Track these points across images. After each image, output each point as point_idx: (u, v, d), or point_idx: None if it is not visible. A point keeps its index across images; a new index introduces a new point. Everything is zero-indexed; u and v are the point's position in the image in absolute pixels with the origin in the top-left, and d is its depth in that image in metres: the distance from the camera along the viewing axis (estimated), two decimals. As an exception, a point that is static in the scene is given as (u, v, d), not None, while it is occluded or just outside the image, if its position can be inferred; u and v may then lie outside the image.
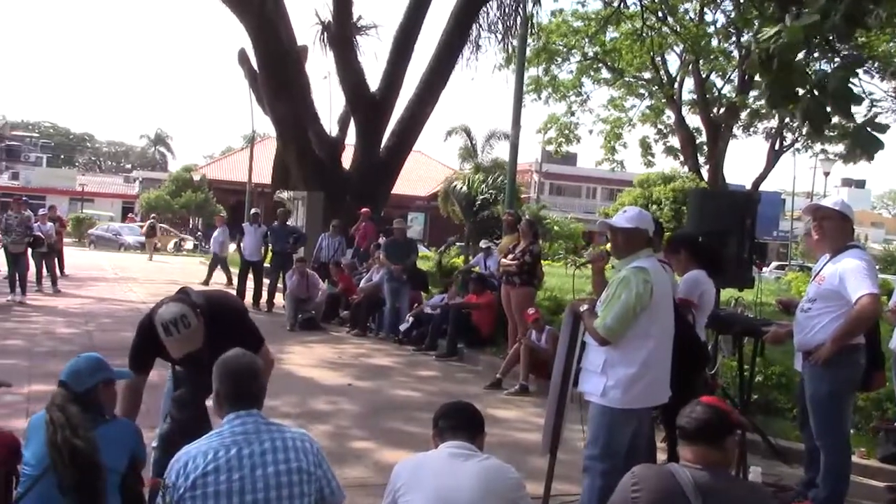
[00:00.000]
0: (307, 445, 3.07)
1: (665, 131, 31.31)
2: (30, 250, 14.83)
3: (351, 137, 18.40)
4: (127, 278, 20.57)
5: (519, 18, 16.41)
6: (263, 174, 31.17)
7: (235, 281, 16.38)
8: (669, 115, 29.85)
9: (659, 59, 27.01)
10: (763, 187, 30.81)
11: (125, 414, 4.08)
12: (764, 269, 35.09)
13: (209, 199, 46.48)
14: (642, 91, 29.33)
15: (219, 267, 19.42)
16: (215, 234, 20.29)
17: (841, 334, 4.85)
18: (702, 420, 2.90)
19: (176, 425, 4.18)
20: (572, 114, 28.57)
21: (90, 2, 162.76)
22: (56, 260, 17.14)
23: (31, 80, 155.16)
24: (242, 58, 18.52)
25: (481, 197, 27.80)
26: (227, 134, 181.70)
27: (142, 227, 38.78)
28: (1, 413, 3.72)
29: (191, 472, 2.91)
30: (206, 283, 18.94)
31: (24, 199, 16.21)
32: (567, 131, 28.82)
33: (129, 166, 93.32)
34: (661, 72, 27.92)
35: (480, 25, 17.56)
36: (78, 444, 3.20)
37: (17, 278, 14.13)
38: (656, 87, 28.34)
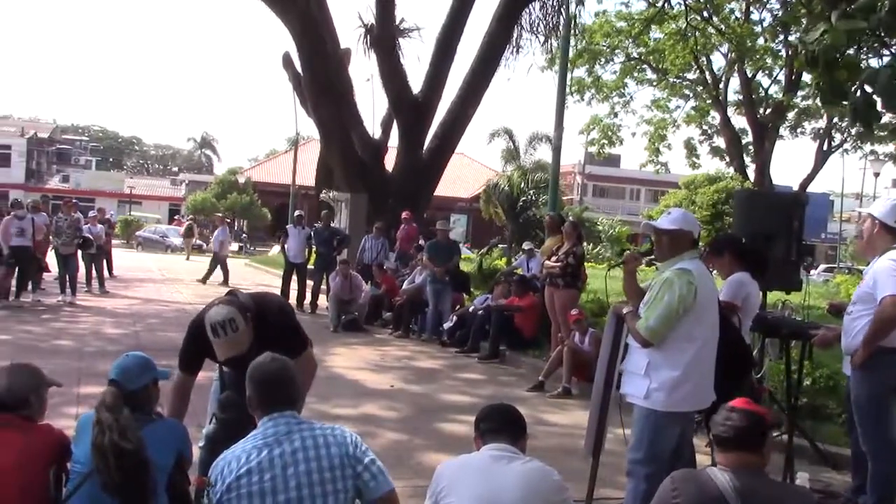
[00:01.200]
0: (341, 439, 3.07)
1: (710, 132, 30.99)
2: (79, 252, 15.14)
3: (394, 139, 18.48)
4: (173, 279, 20.86)
5: (562, 19, 16.34)
6: (307, 176, 31.47)
7: (229, 279, 16.59)
8: (714, 116, 29.53)
9: (704, 59, 26.72)
10: (811, 188, 30.35)
11: (174, 414, 4.14)
12: (812, 271, 34.61)
13: (254, 201, 46.97)
14: (687, 92, 29.05)
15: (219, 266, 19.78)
16: (216, 233, 20.57)
17: (868, 337, 4.82)
18: (738, 428, 2.84)
19: (221, 426, 4.24)
20: (615, 115, 28.39)
21: (140, 8, 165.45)
22: (105, 261, 17.46)
23: (82, 85, 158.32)
24: (287, 61, 18.69)
25: (523, 199, 27.74)
26: (271, 137, 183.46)
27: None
28: (51, 412, 3.78)
29: (226, 476, 2.96)
30: (204, 281, 19.26)
31: (73, 201, 16.56)
32: (610, 132, 28.63)
33: (175, 169, 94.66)
34: (706, 72, 27.62)
35: (523, 26, 17.54)
36: (126, 446, 3.24)
37: (67, 279, 14.43)
38: (701, 88, 28.05)
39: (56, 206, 16.16)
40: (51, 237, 14.57)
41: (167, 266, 26.30)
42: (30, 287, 13.97)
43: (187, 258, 31.25)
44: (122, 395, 3.43)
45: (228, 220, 30.60)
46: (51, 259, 15.14)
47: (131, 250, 35.86)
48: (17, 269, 13.50)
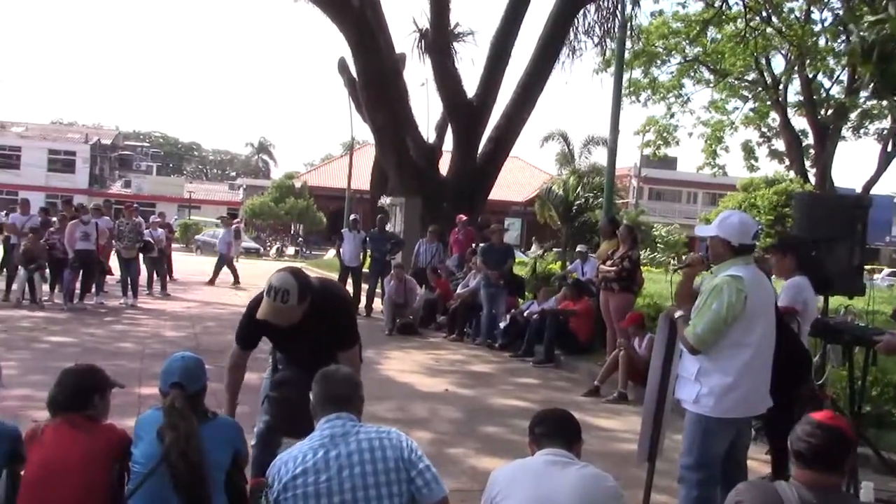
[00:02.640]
0: (397, 443, 3.09)
1: (769, 134, 30.43)
2: (141, 255, 15.47)
3: (448, 143, 18.53)
4: (230, 283, 21.14)
5: (617, 21, 16.22)
6: (362, 181, 31.71)
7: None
8: (774, 118, 29.00)
9: (763, 60, 26.26)
10: (874, 191, 29.59)
11: (232, 388, 4.42)
12: (876, 276, 33.75)
13: (310, 205, 47.41)
14: (745, 93, 28.58)
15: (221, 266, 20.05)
16: (222, 234, 20.79)
17: None
18: (821, 446, 2.75)
19: (273, 405, 4.36)
20: (672, 115, 28.05)
21: (200, 16, 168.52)
22: (165, 265, 17.80)
23: (144, 92, 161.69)
24: (342, 66, 18.87)
25: (578, 202, 27.56)
26: (327, 141, 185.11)
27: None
28: (114, 413, 3.86)
29: (283, 475, 3.01)
30: (212, 282, 19.43)
31: (135, 206, 16.93)
32: (666, 134, 28.29)
33: (233, 174, 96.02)
34: (766, 73, 27.14)
35: (578, 29, 17.47)
36: (192, 455, 3.32)
37: (129, 282, 14.75)
38: (760, 89, 27.57)
39: (118, 211, 16.54)
40: (113, 241, 14.91)
41: (225, 269, 26.65)
42: (93, 290, 14.31)
43: (236, 259, 31.99)
44: (185, 396, 3.51)
45: (238, 221, 31.38)
46: (113, 262, 15.50)
47: (190, 254, 36.46)
48: (81, 272, 13.84)
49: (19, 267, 13.76)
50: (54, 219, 15.39)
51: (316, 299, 4.16)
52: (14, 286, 13.82)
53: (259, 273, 22.49)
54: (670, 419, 4.89)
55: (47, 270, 14.09)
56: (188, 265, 25.69)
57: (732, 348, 4.27)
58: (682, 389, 4.47)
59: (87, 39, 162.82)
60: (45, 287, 14.12)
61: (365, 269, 15.62)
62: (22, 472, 3.49)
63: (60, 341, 10.60)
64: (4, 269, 15.34)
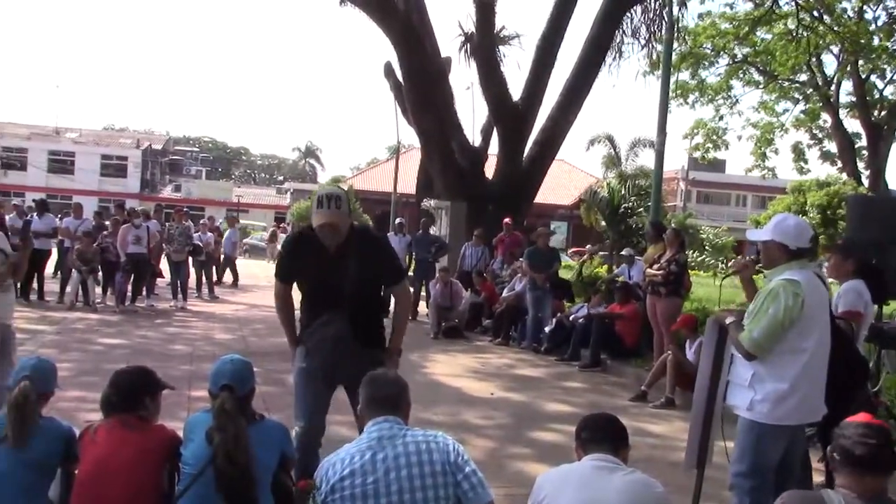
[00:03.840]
0: (443, 446, 3.09)
1: (820, 136, 29.90)
2: (190, 259, 15.70)
3: (494, 147, 18.49)
4: (230, 283, 21.33)
5: (664, 22, 16.06)
6: (408, 184, 31.78)
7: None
8: (825, 120, 28.48)
9: (814, 60, 25.81)
10: (931, 193, 28.92)
11: (285, 319, 4.75)
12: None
13: (356, 209, 47.69)
14: (796, 94, 28.10)
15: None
16: (227, 234, 20.93)
17: None
18: (879, 447, 2.69)
19: (310, 360, 4.48)
20: (720, 118, 27.67)
21: (248, 22, 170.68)
22: (214, 268, 18.04)
23: (193, 98, 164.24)
24: (388, 71, 18.95)
25: (624, 205, 27.33)
26: (373, 145, 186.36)
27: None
28: (164, 414, 3.93)
29: (331, 477, 3.03)
30: (219, 282, 19.52)
31: (185, 210, 17.19)
32: (715, 136, 27.91)
33: (281, 178, 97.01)
34: (817, 74, 26.67)
35: (624, 31, 17.32)
36: (239, 457, 3.36)
37: (179, 285, 14.97)
38: (811, 90, 27.09)
39: (168, 215, 16.83)
40: (163, 244, 15.15)
41: (272, 273, 26.92)
42: (144, 292, 14.56)
43: (269, 261, 32.82)
44: (237, 399, 3.55)
45: (286, 224, 32.12)
46: (163, 266, 15.75)
47: (238, 257, 36.94)
48: (133, 275, 14.09)
49: (73, 270, 14.05)
50: (107, 222, 15.71)
51: (357, 230, 4.50)
52: (68, 289, 14.11)
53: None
54: (719, 425, 4.83)
55: (100, 273, 14.39)
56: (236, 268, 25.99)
57: (788, 354, 4.20)
58: (735, 396, 4.40)
59: (140, 46, 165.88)
60: (98, 290, 14.41)
61: (409, 273, 15.64)
62: (76, 472, 3.56)
63: (112, 343, 10.80)
64: (59, 272, 15.68)
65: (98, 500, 3.39)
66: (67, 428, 3.73)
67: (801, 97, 28.12)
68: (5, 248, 5.60)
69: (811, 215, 31.62)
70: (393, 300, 4.84)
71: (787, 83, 27.22)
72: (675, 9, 16.32)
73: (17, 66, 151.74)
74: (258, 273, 26.40)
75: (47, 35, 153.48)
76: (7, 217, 13.30)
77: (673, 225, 14.71)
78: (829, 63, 26.91)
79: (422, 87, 16.68)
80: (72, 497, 3.49)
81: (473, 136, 18.94)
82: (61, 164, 58.65)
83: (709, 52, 25.13)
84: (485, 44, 17.30)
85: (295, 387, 4.72)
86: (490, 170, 18.16)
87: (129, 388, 3.67)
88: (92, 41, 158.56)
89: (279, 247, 36.88)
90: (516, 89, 17.48)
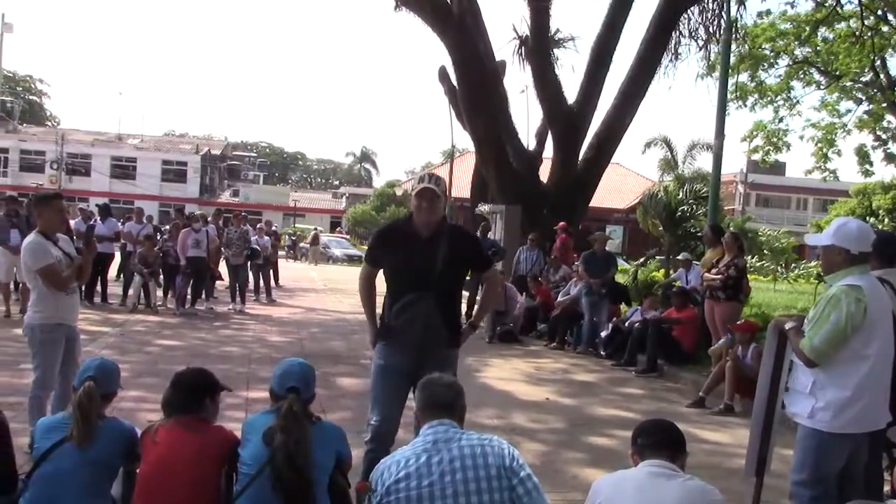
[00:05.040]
0: (499, 450, 3.08)
1: (885, 137, 29.15)
2: (248, 262, 15.92)
3: (549, 151, 18.43)
4: (335, 290, 21.54)
5: (722, 23, 15.84)
6: (463, 188, 31.84)
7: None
8: (890, 121, 27.76)
9: (878, 61, 25.16)
10: None
11: (369, 299, 5.02)
12: None
13: (409, 210, 47.85)
14: (859, 95, 27.43)
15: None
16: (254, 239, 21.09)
17: None
18: None
19: (392, 344, 4.72)
20: (780, 120, 27.13)
21: (304, 29, 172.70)
22: (271, 271, 18.26)
23: (251, 104, 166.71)
24: (442, 75, 19.00)
25: (682, 209, 26.97)
26: (427, 150, 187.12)
27: (347, 239, 41.80)
28: (221, 415, 3.99)
29: (386, 479, 3.05)
30: (276, 286, 19.55)
31: (243, 214, 17.46)
32: (775, 139, 27.37)
33: (336, 182, 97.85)
34: (881, 74, 26.00)
35: (681, 33, 17.13)
36: (298, 459, 3.39)
37: (237, 288, 15.19)
38: (876, 91, 26.43)
39: (227, 220, 17.09)
40: (222, 248, 15.39)
41: (329, 276, 27.21)
42: (203, 295, 14.79)
43: (315, 264, 33.36)
44: (303, 402, 3.60)
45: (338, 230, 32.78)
46: (222, 269, 16.00)
47: (293, 261, 37.40)
48: (192, 279, 14.34)
49: (135, 273, 14.35)
50: (166, 227, 16.02)
51: (450, 223, 4.92)
52: (130, 291, 14.42)
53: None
54: (779, 433, 4.74)
55: (161, 276, 14.68)
56: (293, 272, 26.32)
57: (851, 361, 4.10)
58: (796, 403, 4.30)
59: (200, 54, 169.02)
60: (159, 293, 14.69)
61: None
62: (137, 471, 3.63)
63: (172, 345, 11.00)
64: (121, 276, 16.04)
65: (158, 499, 3.45)
66: (130, 428, 3.81)
67: (864, 97, 27.45)
68: (70, 251, 5.74)
69: (879, 218, 30.84)
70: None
71: (849, 84, 26.59)
72: (734, 9, 16.09)
73: (82, 74, 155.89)
74: (315, 277, 26.70)
75: (111, 44, 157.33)
76: (72, 221, 13.62)
77: (731, 229, 14.44)
78: (894, 65, 26.27)
79: (476, 91, 16.69)
80: (133, 496, 3.56)
81: (528, 140, 18.93)
82: (123, 169, 59.99)
83: (768, 53, 24.68)
84: (539, 47, 17.25)
85: (372, 381, 4.86)
86: (545, 173, 18.10)
87: (190, 389, 3.73)
88: (153, 49, 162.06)
89: (347, 251, 37.54)
90: (571, 92, 17.43)
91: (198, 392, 3.73)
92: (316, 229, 42.13)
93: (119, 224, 15.89)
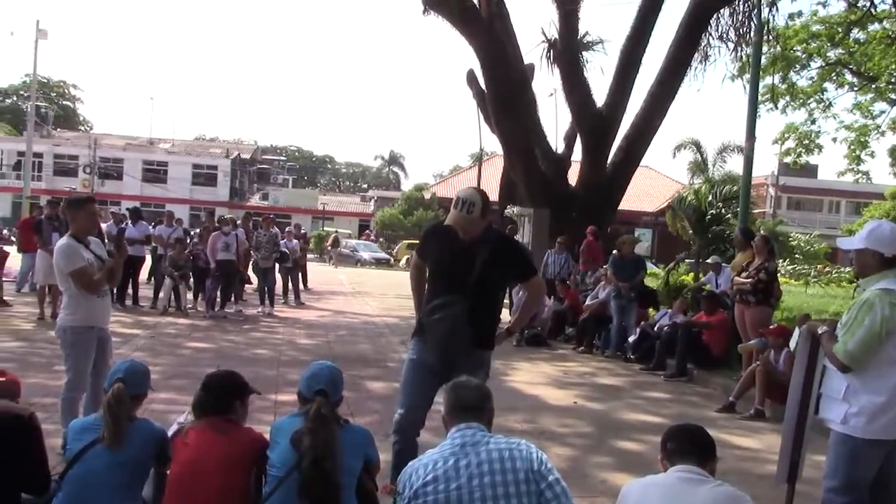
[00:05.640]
0: (527, 454, 3.07)
1: (920, 139, 28.77)
2: (277, 265, 16.01)
3: (577, 154, 18.36)
4: (363, 292, 21.61)
5: (753, 25, 15.69)
6: (491, 192, 31.80)
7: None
8: (925, 122, 27.35)
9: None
10: None
11: (418, 288, 5.18)
12: None
13: (439, 216, 47.94)
14: (892, 95, 27.05)
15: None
16: (283, 242, 21.16)
17: None
18: None
19: (424, 340, 4.81)
20: (813, 122, 26.82)
21: (331, 33, 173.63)
22: (300, 275, 18.35)
23: (280, 108, 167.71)
24: (471, 78, 19.00)
25: (712, 212, 26.76)
26: (455, 153, 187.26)
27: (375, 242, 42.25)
28: (250, 418, 4.01)
29: (414, 482, 3.04)
30: (304, 289, 19.52)
31: (271, 217, 17.57)
32: (807, 141, 27.07)
33: (365, 186, 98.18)
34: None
35: (711, 35, 17.00)
36: (326, 462, 3.40)
37: (266, 291, 15.28)
38: (911, 92, 26.04)
39: (256, 223, 17.22)
40: (251, 251, 15.50)
41: (357, 279, 27.30)
42: (232, 298, 14.89)
43: (335, 266, 33.62)
44: (332, 405, 3.61)
45: (369, 233, 33.08)
46: (250, 272, 16.10)
47: (324, 264, 37.56)
48: (222, 282, 14.44)
49: (165, 276, 14.49)
50: (196, 230, 16.16)
51: (495, 230, 5.01)
52: (161, 294, 14.55)
53: (396, 283, 22.88)
54: (812, 438, 4.68)
55: (191, 279, 14.80)
56: (322, 275, 26.43)
57: (885, 366, 4.04)
58: (829, 409, 4.25)
59: (229, 58, 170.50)
60: (189, 295, 14.82)
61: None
62: (167, 472, 3.66)
63: (202, 347, 11.09)
64: (152, 278, 16.20)
65: (189, 500, 3.47)
66: (160, 429, 3.85)
67: (898, 99, 27.06)
68: (102, 254, 5.80)
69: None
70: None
71: (884, 85, 26.23)
72: (765, 10, 15.93)
73: (114, 80, 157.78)
74: (343, 280, 26.79)
75: (142, 50, 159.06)
76: (104, 225, 13.77)
77: (762, 231, 14.31)
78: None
79: (504, 94, 16.67)
80: (164, 497, 3.59)
81: (557, 143, 18.87)
82: (155, 173, 60.65)
83: (800, 55, 24.41)
84: (568, 50, 17.21)
85: (402, 376, 4.95)
86: (573, 176, 18.04)
87: (220, 391, 3.76)
88: (185, 54, 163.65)
89: (375, 254, 37.96)
90: (600, 95, 17.36)
91: (228, 394, 3.76)
92: (336, 232, 42.47)
93: (150, 227, 16.04)
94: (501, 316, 5.33)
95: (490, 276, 4.78)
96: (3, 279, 14.23)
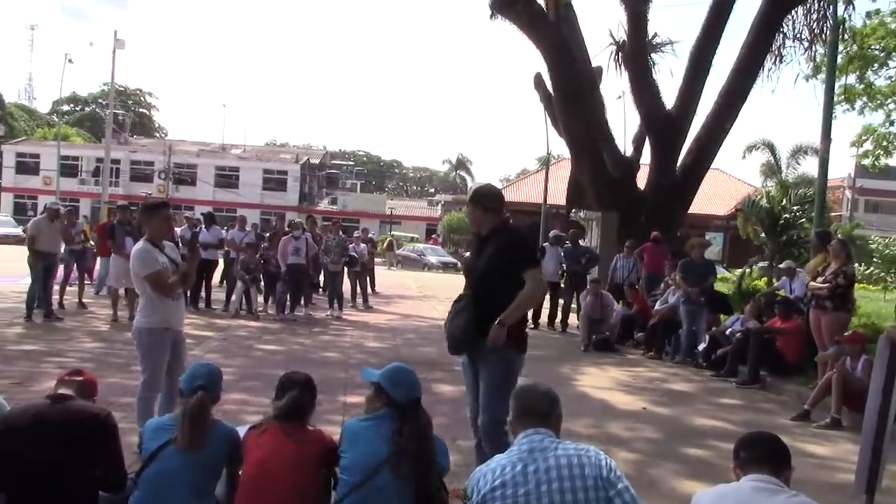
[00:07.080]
0: (596, 461, 3.04)
1: None
2: (345, 269, 16.17)
3: (646, 157, 18.16)
4: (430, 296, 21.67)
5: (828, 24, 15.31)
6: (558, 195, 31.68)
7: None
8: None
9: None
10: None
11: None
12: None
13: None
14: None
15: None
16: (351, 246, 21.18)
17: None
18: None
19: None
20: (891, 123, 26.02)
21: (401, 39, 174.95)
22: (368, 278, 18.51)
23: (349, 113, 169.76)
24: (538, 82, 18.94)
25: (785, 216, 26.16)
26: (522, 157, 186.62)
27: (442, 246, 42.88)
28: (319, 419, 4.07)
29: (482, 487, 3.04)
30: (373, 293, 19.47)
31: (338, 221, 17.77)
32: (885, 143, 26.27)
33: (432, 190, 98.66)
34: None
35: (785, 34, 16.66)
36: (426, 468, 3.47)
37: (335, 295, 15.45)
38: None
39: (325, 227, 17.45)
40: (321, 255, 15.69)
41: (424, 283, 27.41)
42: (302, 302, 15.10)
43: (389, 268, 34.34)
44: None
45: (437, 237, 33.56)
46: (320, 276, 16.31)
47: (392, 268, 37.85)
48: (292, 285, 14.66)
49: (237, 279, 14.76)
50: (267, 234, 16.43)
51: (503, 224, 5.10)
52: (233, 297, 14.83)
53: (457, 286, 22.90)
54: (891, 448, 4.54)
55: (262, 283, 15.06)
56: (390, 279, 26.61)
57: None
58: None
59: (300, 65, 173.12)
60: (260, 298, 15.07)
61: (562, 284, 15.48)
62: (240, 473, 3.72)
63: (273, 349, 11.27)
64: (225, 282, 16.52)
65: (260, 500, 3.53)
66: (233, 431, 3.91)
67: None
68: (176, 258, 5.94)
69: None
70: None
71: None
72: (841, 8, 15.54)
73: (188, 87, 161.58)
74: (411, 284, 26.92)
75: (215, 58, 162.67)
76: (178, 229, 14.11)
77: (839, 235, 13.93)
78: None
79: (572, 98, 16.58)
80: (236, 497, 3.65)
81: (625, 146, 18.69)
82: (227, 178, 61.80)
83: (878, 53, 23.72)
84: (636, 52, 17.05)
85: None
86: (642, 180, 17.84)
87: (298, 396, 3.81)
88: (256, 62, 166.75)
89: (442, 258, 38.65)
90: (669, 97, 17.15)
91: (302, 398, 3.81)
92: (391, 236, 43.23)
93: (223, 232, 16.36)
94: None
95: (493, 268, 4.92)
96: (84, 283, 14.73)
